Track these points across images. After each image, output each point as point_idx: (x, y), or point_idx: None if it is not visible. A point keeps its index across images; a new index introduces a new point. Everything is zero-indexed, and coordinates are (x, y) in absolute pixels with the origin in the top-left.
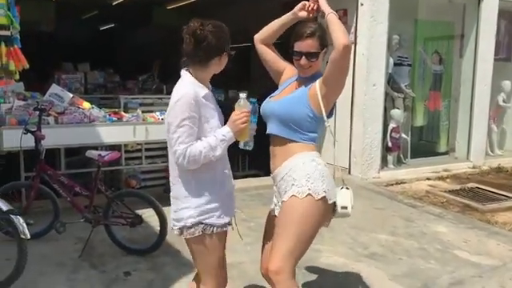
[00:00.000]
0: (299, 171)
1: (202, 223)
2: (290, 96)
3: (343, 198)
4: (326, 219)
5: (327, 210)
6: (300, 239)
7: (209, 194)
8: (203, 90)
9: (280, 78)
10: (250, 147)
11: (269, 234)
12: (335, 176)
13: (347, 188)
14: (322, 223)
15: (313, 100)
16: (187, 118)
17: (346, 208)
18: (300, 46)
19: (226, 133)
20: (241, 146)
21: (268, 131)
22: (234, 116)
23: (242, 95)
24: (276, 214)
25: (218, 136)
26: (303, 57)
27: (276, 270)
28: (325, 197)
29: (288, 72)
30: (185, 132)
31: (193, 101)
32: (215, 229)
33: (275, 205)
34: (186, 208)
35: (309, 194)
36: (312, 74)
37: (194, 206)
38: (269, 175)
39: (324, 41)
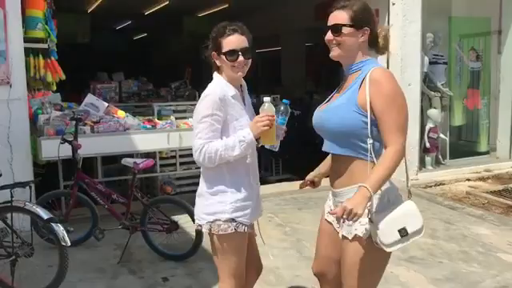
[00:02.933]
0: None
1: (235, 221)
2: (335, 102)
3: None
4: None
5: None
6: (374, 278)
7: (245, 191)
8: (231, 90)
9: None
10: (275, 149)
11: (323, 239)
12: None
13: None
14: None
15: (364, 105)
16: (209, 116)
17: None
18: (328, 19)
19: (246, 134)
20: (266, 146)
21: (323, 149)
22: (256, 118)
23: (266, 99)
24: (329, 220)
25: (237, 137)
26: (329, 31)
27: None
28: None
29: None
30: (205, 128)
31: (218, 99)
32: (246, 228)
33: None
34: (220, 202)
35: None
36: (354, 62)
37: (230, 201)
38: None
39: (358, 17)
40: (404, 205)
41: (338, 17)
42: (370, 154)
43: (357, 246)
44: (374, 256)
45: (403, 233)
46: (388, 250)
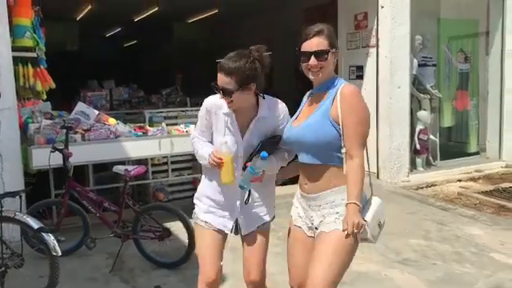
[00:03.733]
0: (344, 207)
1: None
2: (310, 120)
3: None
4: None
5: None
6: (341, 271)
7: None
8: (225, 109)
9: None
10: (244, 189)
11: (297, 248)
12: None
13: (365, 220)
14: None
15: (337, 119)
16: (200, 117)
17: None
18: (307, 45)
19: (207, 156)
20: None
21: (300, 160)
22: (213, 151)
23: (224, 140)
24: (298, 224)
25: (207, 151)
26: (312, 56)
27: None
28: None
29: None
30: (197, 125)
31: (205, 108)
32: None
33: (299, 216)
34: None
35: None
36: (325, 81)
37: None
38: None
39: (333, 40)
40: (375, 201)
41: (320, 43)
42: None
43: (333, 237)
44: (346, 249)
45: (381, 225)
46: (375, 242)
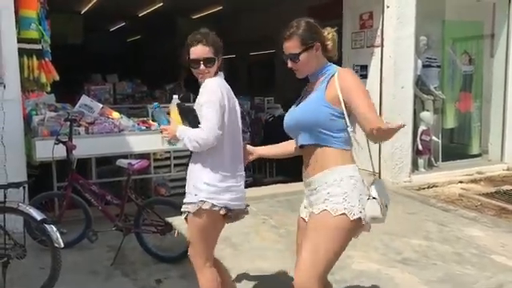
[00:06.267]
0: (336, 187)
1: None
2: (306, 103)
3: (372, 208)
4: (355, 234)
5: (359, 227)
6: (327, 256)
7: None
8: None
9: None
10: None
11: (302, 240)
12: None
13: (374, 198)
14: (350, 239)
15: (333, 100)
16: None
17: (375, 218)
18: (283, 48)
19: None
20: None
21: (299, 143)
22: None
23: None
24: (303, 216)
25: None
26: (288, 60)
27: (300, 286)
28: (360, 218)
29: None
30: (215, 116)
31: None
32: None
33: (305, 207)
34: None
35: (343, 214)
36: (316, 70)
37: None
38: (297, 181)
39: (306, 38)
40: (379, 182)
41: (291, 46)
42: (339, 143)
43: (324, 215)
44: (336, 233)
45: (387, 206)
46: (384, 221)
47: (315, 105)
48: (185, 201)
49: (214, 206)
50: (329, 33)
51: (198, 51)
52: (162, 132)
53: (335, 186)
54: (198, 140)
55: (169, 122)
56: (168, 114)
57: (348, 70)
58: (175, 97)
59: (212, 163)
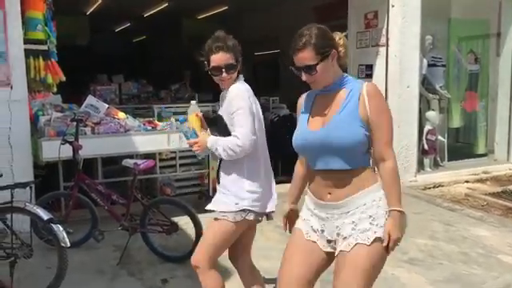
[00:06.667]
0: (376, 208)
1: None
2: (337, 120)
3: None
4: None
5: None
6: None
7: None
8: None
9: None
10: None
11: (298, 258)
12: None
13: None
14: None
15: (365, 120)
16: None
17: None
18: (296, 59)
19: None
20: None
21: (320, 168)
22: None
23: (193, 102)
24: (314, 239)
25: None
26: (302, 72)
27: None
28: None
29: (298, 109)
30: (250, 122)
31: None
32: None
33: (314, 231)
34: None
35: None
36: (333, 81)
37: None
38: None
39: (321, 47)
40: None
41: (305, 57)
42: (368, 161)
43: (375, 248)
44: (383, 257)
45: None
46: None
47: (352, 126)
48: (222, 209)
49: (257, 215)
50: (340, 38)
51: (219, 58)
52: (191, 146)
53: (375, 207)
54: (233, 148)
55: (197, 135)
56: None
57: (375, 87)
58: (193, 102)
59: (250, 169)
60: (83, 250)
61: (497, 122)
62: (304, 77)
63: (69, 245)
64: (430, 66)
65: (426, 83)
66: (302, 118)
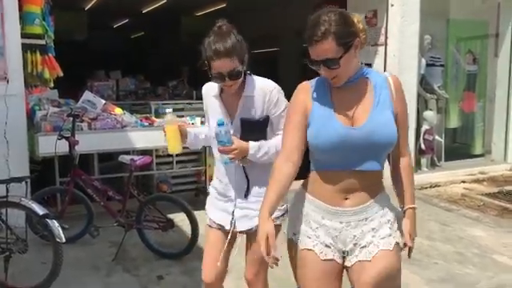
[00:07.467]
0: (391, 212)
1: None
2: (379, 116)
3: None
4: None
5: None
6: None
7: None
8: (214, 91)
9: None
10: (227, 164)
11: (322, 282)
12: None
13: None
14: None
15: (395, 111)
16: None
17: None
18: (313, 52)
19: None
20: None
21: (346, 168)
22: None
23: (169, 109)
24: (330, 257)
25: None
26: (321, 66)
27: None
28: None
29: (301, 102)
30: None
31: (202, 92)
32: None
33: (328, 247)
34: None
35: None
36: (353, 75)
37: None
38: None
39: (345, 37)
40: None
41: (326, 49)
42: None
43: (397, 253)
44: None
45: None
46: None
47: (391, 122)
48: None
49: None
50: (358, 21)
51: (221, 66)
52: (227, 153)
53: (390, 211)
54: None
55: (231, 143)
56: (164, 131)
57: (399, 79)
58: (170, 111)
59: None
60: (78, 246)
61: (494, 123)
62: (323, 72)
63: (64, 240)
64: (428, 65)
65: (424, 83)
66: (321, 113)
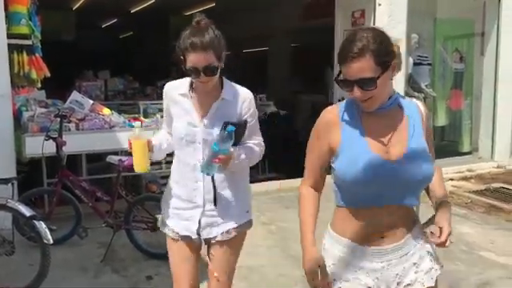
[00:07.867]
0: (426, 244)
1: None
2: (418, 148)
3: None
4: None
5: None
6: None
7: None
8: (182, 89)
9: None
10: (208, 174)
11: None
12: None
13: None
14: None
15: (426, 141)
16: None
17: None
18: (347, 70)
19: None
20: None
21: (381, 204)
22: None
23: (137, 123)
24: None
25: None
26: (355, 86)
27: None
28: None
29: (328, 128)
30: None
31: (164, 91)
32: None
33: None
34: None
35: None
36: (387, 101)
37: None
38: (289, 178)
39: (382, 55)
40: None
41: (363, 67)
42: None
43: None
44: None
45: None
46: None
47: (428, 155)
48: (237, 223)
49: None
50: (394, 45)
51: (196, 59)
52: (223, 163)
53: (425, 240)
54: (262, 151)
55: (229, 151)
56: (130, 147)
57: (425, 106)
58: (138, 124)
59: (248, 174)
60: (67, 247)
61: (481, 120)
62: (357, 93)
63: (51, 242)
64: (415, 64)
65: (411, 82)
66: (353, 142)
